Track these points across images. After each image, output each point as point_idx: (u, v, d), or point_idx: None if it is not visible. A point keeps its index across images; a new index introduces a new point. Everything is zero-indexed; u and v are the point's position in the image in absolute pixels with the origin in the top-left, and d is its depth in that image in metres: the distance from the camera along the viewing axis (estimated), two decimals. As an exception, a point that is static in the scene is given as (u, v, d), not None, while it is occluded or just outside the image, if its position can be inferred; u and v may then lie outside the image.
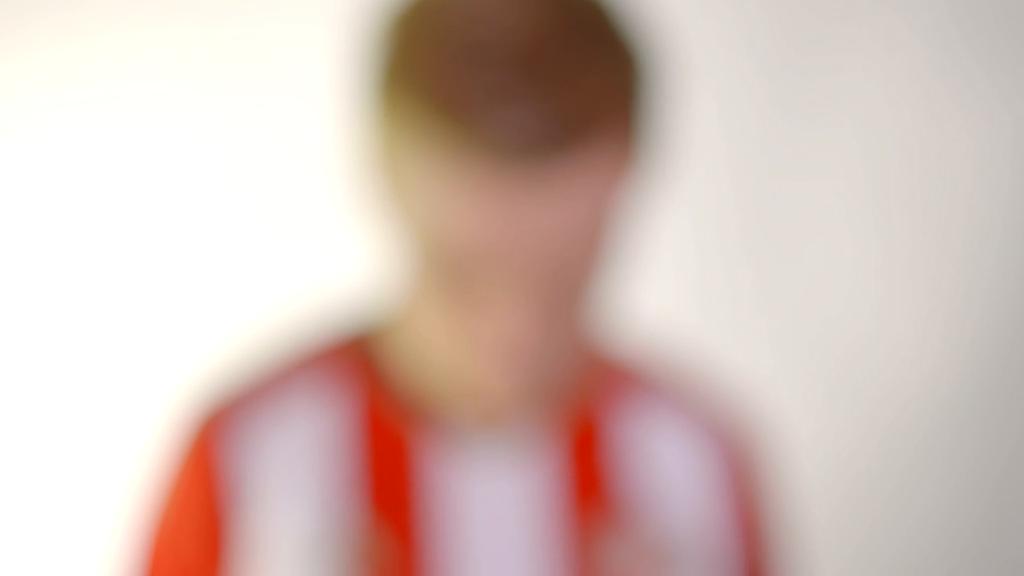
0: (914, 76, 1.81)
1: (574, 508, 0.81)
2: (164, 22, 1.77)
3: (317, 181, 1.80)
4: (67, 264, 1.81)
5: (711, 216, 1.84)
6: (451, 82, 0.66)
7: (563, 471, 0.82)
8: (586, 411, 0.84)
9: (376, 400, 0.82)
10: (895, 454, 1.94)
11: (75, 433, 1.84)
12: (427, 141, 0.68)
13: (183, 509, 0.83)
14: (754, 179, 1.85)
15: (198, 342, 1.83)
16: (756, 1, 1.78)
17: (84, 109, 1.79)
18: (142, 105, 1.79)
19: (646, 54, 0.72)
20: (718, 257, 1.85)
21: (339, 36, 1.75)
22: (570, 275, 0.70)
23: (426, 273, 0.71)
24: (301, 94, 1.79)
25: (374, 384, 0.82)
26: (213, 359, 1.83)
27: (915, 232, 1.87)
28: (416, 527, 0.79)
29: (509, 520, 0.80)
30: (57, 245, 1.81)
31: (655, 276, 1.85)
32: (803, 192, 1.86)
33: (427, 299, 0.73)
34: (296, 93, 1.79)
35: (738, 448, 0.87)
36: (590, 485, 0.82)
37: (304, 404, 0.82)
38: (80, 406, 1.84)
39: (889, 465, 1.94)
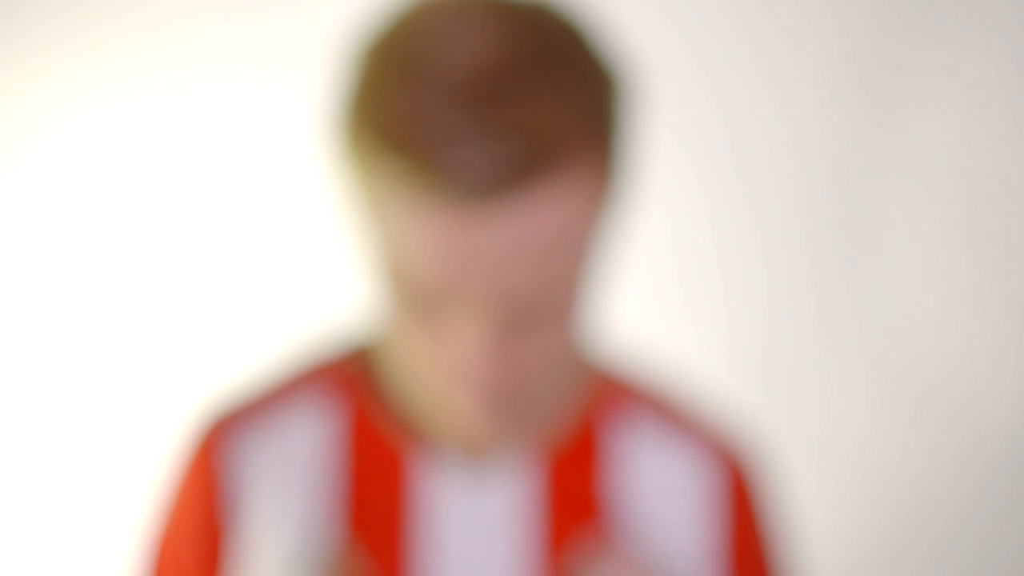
0: (989, 118, 1.79)
1: (561, 528, 0.81)
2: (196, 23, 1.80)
3: (329, 198, 1.82)
4: (79, 277, 1.83)
5: (781, 243, 1.83)
6: (404, 120, 0.66)
7: (551, 490, 0.81)
8: (581, 430, 0.83)
9: (368, 418, 0.82)
10: (959, 478, 1.90)
11: (86, 443, 1.87)
12: (384, 177, 0.68)
13: (185, 516, 0.85)
14: (824, 210, 1.84)
15: (206, 357, 1.85)
16: (839, 51, 1.77)
17: (92, 125, 1.82)
18: (148, 126, 1.82)
19: (617, 81, 0.71)
20: (786, 285, 1.84)
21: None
22: (538, 304, 0.70)
23: (396, 301, 0.72)
24: (307, 110, 1.79)
25: (368, 402, 0.83)
26: (219, 374, 1.85)
27: (980, 259, 1.84)
28: (397, 545, 0.80)
29: (493, 539, 0.80)
30: (68, 257, 1.83)
31: (724, 302, 1.84)
32: (872, 220, 1.84)
33: (401, 326, 0.73)
34: (305, 106, 1.80)
35: (736, 470, 0.86)
36: (580, 504, 0.81)
37: (300, 419, 0.83)
38: (91, 417, 1.86)
39: (952, 489, 1.90)
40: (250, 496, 0.82)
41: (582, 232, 0.70)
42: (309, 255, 1.84)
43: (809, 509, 1.89)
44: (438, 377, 0.73)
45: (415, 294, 0.70)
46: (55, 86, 1.80)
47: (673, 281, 1.84)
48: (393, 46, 0.69)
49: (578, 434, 0.83)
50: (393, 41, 0.69)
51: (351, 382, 0.84)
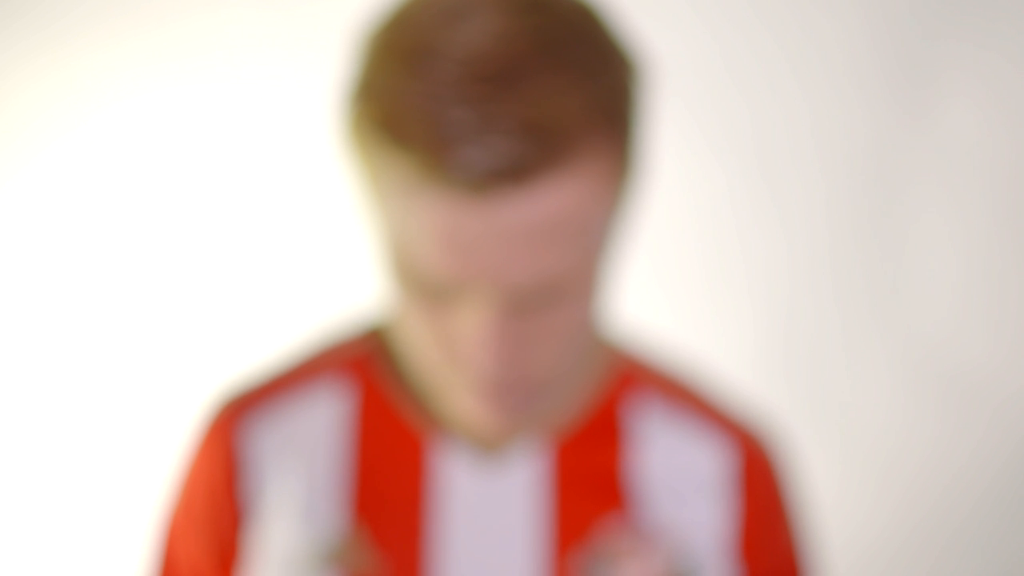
0: (1013, 115, 1.78)
1: (577, 512, 0.80)
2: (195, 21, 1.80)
3: (341, 179, 1.82)
4: (93, 267, 1.85)
5: (804, 234, 1.83)
6: (411, 114, 0.66)
7: (566, 475, 0.81)
8: (596, 413, 0.83)
9: (381, 401, 0.83)
10: (983, 468, 1.89)
11: (102, 430, 1.88)
12: (390, 169, 0.67)
13: (199, 497, 0.85)
14: (847, 204, 1.84)
15: (225, 341, 1.86)
16: (863, 47, 1.77)
17: (108, 115, 1.82)
18: (170, 112, 1.82)
19: (632, 67, 0.70)
20: (808, 277, 1.84)
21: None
22: (548, 293, 0.69)
23: (404, 291, 0.71)
24: (325, 97, 1.79)
25: (381, 386, 0.83)
26: (235, 357, 1.86)
27: (1002, 254, 1.83)
28: (413, 527, 0.80)
29: (510, 522, 0.80)
30: (85, 244, 1.84)
31: (750, 292, 1.84)
32: (895, 211, 1.83)
33: (409, 314, 0.73)
34: (319, 97, 1.79)
35: (754, 455, 0.85)
36: (596, 489, 0.81)
37: (314, 401, 0.84)
38: (106, 405, 1.88)
39: (976, 480, 1.89)
40: (264, 477, 0.82)
41: (594, 221, 0.69)
42: (324, 241, 1.84)
43: (833, 500, 1.89)
44: (446, 366, 0.73)
45: (422, 283, 0.70)
46: (72, 76, 1.80)
47: (697, 273, 1.84)
48: (399, 35, 0.68)
49: (595, 417, 0.83)
50: (399, 30, 0.68)
51: (365, 364, 0.84)
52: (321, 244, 1.84)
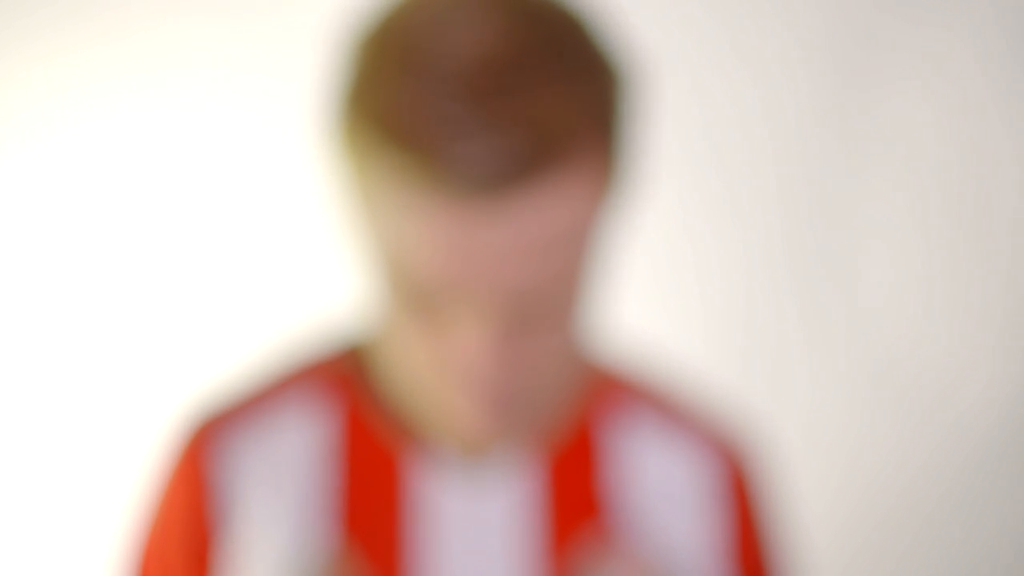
0: (964, 100, 1.79)
1: (562, 528, 0.80)
2: (186, 24, 1.79)
3: (318, 195, 1.81)
4: (68, 274, 1.82)
5: (758, 234, 1.83)
6: (406, 114, 0.64)
7: (550, 490, 0.80)
8: (579, 428, 0.82)
9: (362, 418, 0.81)
10: (940, 472, 1.90)
11: (74, 443, 1.85)
12: (385, 171, 0.66)
13: (172, 519, 0.83)
14: (801, 198, 1.83)
15: (197, 356, 1.83)
16: (811, 32, 1.77)
17: (87, 119, 1.80)
18: (139, 122, 1.80)
19: (621, 72, 0.69)
20: (764, 276, 1.84)
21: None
22: (541, 301, 0.69)
23: (395, 299, 0.70)
24: (297, 108, 1.79)
25: (361, 402, 0.82)
26: (210, 373, 1.84)
27: (961, 245, 1.84)
28: (394, 548, 0.78)
29: (492, 541, 0.79)
30: (59, 252, 1.82)
31: (701, 296, 1.84)
32: (850, 211, 1.84)
33: (399, 325, 0.71)
34: (290, 107, 1.79)
35: (736, 465, 0.85)
36: (580, 503, 0.80)
37: (291, 420, 0.82)
38: (78, 418, 1.84)
39: (934, 483, 1.91)
40: (240, 500, 0.81)
41: (587, 227, 0.68)
42: (297, 253, 1.83)
43: (791, 502, 1.89)
44: (436, 376, 0.71)
45: (415, 291, 0.69)
46: (39, 81, 1.78)
47: (649, 276, 1.83)
48: (391, 37, 0.67)
49: (576, 432, 0.82)
50: (391, 31, 0.67)
51: (344, 381, 0.82)
52: (295, 255, 1.82)
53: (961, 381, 1.86)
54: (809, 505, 1.89)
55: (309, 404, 0.82)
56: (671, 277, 1.84)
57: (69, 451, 1.86)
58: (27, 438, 1.85)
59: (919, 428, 1.88)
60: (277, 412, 0.82)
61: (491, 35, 0.65)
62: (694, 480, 0.83)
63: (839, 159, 1.82)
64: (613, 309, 1.80)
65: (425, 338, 0.70)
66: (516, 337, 0.69)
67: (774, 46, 1.76)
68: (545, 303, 0.69)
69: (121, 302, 1.83)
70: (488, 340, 0.69)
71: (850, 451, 1.88)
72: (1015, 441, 1.89)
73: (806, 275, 1.85)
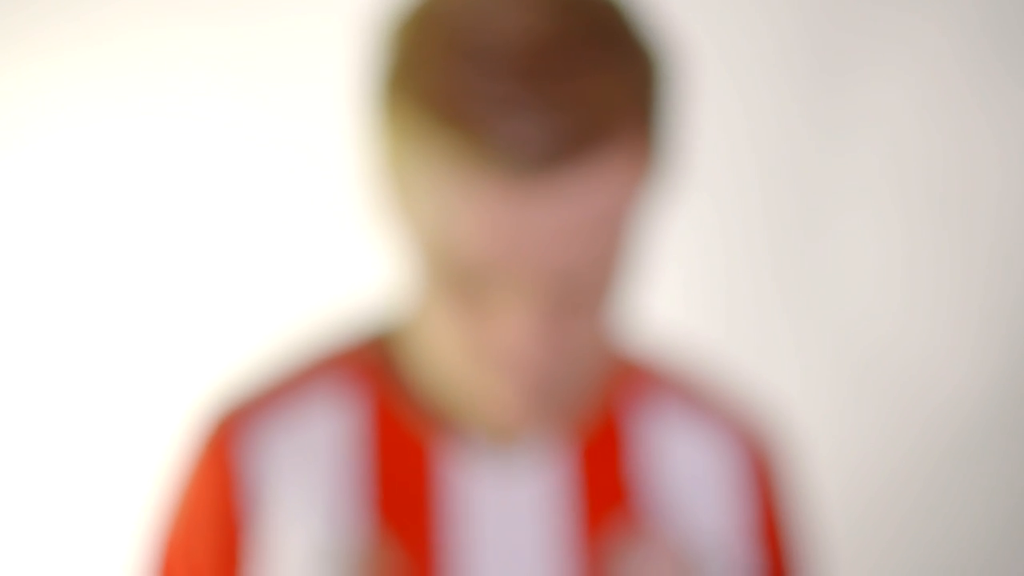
0: (942, 86, 1.80)
1: (592, 514, 0.80)
2: (181, 23, 1.78)
3: (339, 184, 1.81)
4: (83, 268, 1.81)
5: (740, 225, 1.83)
6: (455, 93, 0.65)
7: (580, 477, 0.81)
8: (606, 416, 0.83)
9: (391, 406, 0.81)
10: (923, 459, 1.92)
11: (95, 437, 1.85)
12: (431, 152, 0.66)
13: (198, 513, 0.82)
14: (782, 188, 1.84)
15: (217, 347, 1.83)
16: (789, 17, 1.77)
17: (102, 115, 1.79)
18: (163, 109, 1.79)
19: (659, 58, 0.70)
20: (746, 266, 1.85)
21: (359, 36, 1.75)
22: (582, 285, 0.69)
23: (434, 283, 0.70)
24: (319, 97, 1.78)
25: (390, 390, 0.81)
26: (232, 364, 1.83)
27: (943, 239, 1.86)
28: (427, 536, 0.79)
29: (523, 528, 0.79)
30: (76, 248, 1.81)
31: (685, 286, 1.84)
32: (831, 201, 1.85)
33: (436, 309, 0.71)
34: (314, 97, 1.78)
35: (759, 451, 0.86)
36: (609, 490, 0.81)
37: (319, 409, 0.81)
38: (100, 411, 1.84)
39: (917, 470, 1.92)
40: (269, 491, 0.80)
41: (627, 211, 0.69)
42: (321, 244, 1.82)
43: (810, 490, 1.90)
44: (474, 361, 0.71)
45: (460, 274, 0.68)
46: (14, 84, 1.77)
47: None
48: (436, 19, 0.67)
49: (604, 420, 0.83)
50: (435, 15, 0.67)
51: (371, 370, 0.82)
52: (316, 245, 1.82)
53: (942, 372, 1.88)
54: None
55: (336, 393, 0.82)
56: (646, 269, 1.85)
57: (87, 447, 1.85)
58: (43, 434, 1.83)
59: (901, 418, 1.90)
60: (305, 401, 0.82)
61: (534, 18, 0.65)
62: (719, 466, 0.84)
63: (819, 147, 1.83)
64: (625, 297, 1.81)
65: (464, 322, 0.70)
66: (556, 320, 0.70)
67: (748, 27, 1.77)
68: (585, 286, 0.69)
69: (147, 294, 1.82)
70: (530, 322, 0.69)
71: (834, 440, 1.89)
72: (991, 429, 1.92)
73: (790, 269, 1.86)
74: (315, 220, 1.82)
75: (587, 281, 0.69)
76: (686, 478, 0.83)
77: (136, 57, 1.77)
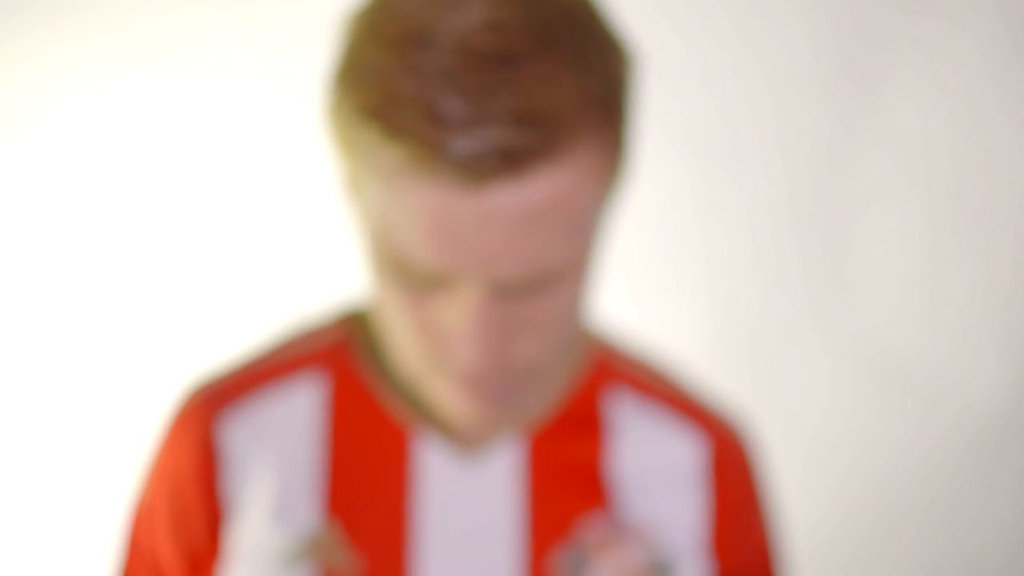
0: (967, 91, 1.78)
1: (558, 501, 0.80)
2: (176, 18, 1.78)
3: (321, 176, 1.81)
4: (66, 260, 1.82)
5: (768, 230, 1.83)
6: (403, 104, 0.63)
7: (546, 464, 0.81)
8: (573, 404, 0.83)
9: (359, 390, 0.81)
10: (943, 462, 1.90)
11: (76, 426, 1.86)
12: (378, 157, 0.65)
13: (169, 489, 0.83)
14: (809, 192, 1.83)
15: (194, 334, 1.84)
16: (817, 22, 1.76)
17: (90, 112, 1.80)
18: (143, 107, 1.80)
19: (622, 55, 0.68)
20: (774, 270, 1.84)
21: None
22: (541, 284, 0.68)
23: (388, 282, 0.70)
24: (300, 91, 1.79)
25: (358, 374, 0.82)
26: (207, 349, 1.84)
27: (967, 244, 1.84)
28: (391, 517, 0.79)
29: (489, 513, 0.79)
30: (61, 241, 1.82)
31: (711, 290, 1.84)
32: (857, 206, 1.84)
33: (391, 305, 0.71)
34: (294, 91, 1.79)
35: (726, 441, 0.86)
36: (576, 478, 0.81)
37: (290, 391, 0.82)
38: (80, 400, 1.85)
39: (937, 473, 1.91)
40: (239, 470, 0.81)
41: (584, 211, 0.68)
42: (299, 236, 1.83)
43: (798, 494, 1.90)
44: (429, 356, 0.71)
45: (408, 274, 0.68)
46: (35, 71, 1.78)
47: (658, 273, 1.84)
48: (387, 20, 0.65)
49: (573, 408, 0.82)
50: (387, 14, 0.66)
51: (342, 355, 0.83)
52: (296, 235, 1.83)
53: (965, 376, 1.87)
54: (815, 498, 1.90)
55: (308, 377, 0.82)
56: (678, 275, 1.84)
57: (69, 438, 1.86)
58: (27, 428, 1.85)
59: (923, 421, 1.89)
60: (276, 385, 0.82)
61: (490, 22, 0.64)
62: (686, 458, 0.84)
63: (845, 156, 1.82)
64: (613, 300, 1.80)
65: (416, 317, 0.70)
66: (505, 317, 0.69)
67: (782, 36, 1.76)
68: (537, 285, 0.68)
69: (127, 285, 1.83)
70: (476, 321, 0.68)
71: (856, 444, 1.88)
72: (1014, 434, 1.90)
73: (813, 276, 1.85)
74: (303, 211, 1.82)
75: (542, 280, 0.68)
76: (653, 468, 0.82)
77: (157, 39, 1.77)
